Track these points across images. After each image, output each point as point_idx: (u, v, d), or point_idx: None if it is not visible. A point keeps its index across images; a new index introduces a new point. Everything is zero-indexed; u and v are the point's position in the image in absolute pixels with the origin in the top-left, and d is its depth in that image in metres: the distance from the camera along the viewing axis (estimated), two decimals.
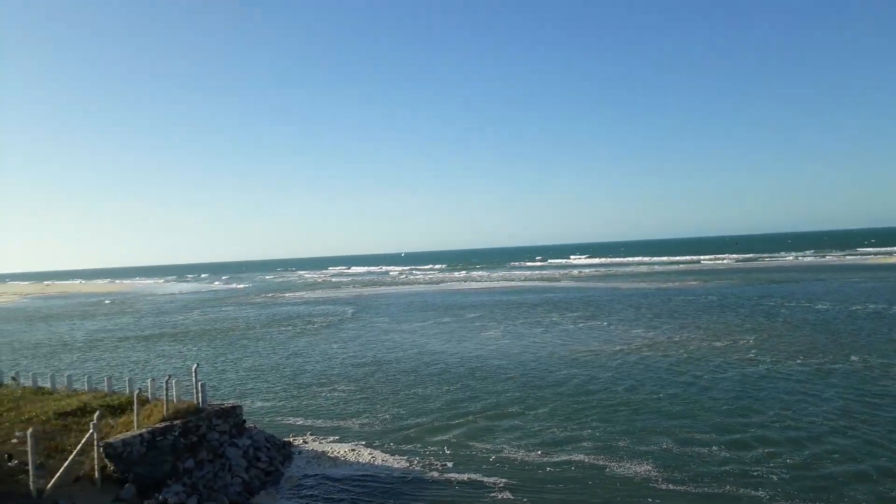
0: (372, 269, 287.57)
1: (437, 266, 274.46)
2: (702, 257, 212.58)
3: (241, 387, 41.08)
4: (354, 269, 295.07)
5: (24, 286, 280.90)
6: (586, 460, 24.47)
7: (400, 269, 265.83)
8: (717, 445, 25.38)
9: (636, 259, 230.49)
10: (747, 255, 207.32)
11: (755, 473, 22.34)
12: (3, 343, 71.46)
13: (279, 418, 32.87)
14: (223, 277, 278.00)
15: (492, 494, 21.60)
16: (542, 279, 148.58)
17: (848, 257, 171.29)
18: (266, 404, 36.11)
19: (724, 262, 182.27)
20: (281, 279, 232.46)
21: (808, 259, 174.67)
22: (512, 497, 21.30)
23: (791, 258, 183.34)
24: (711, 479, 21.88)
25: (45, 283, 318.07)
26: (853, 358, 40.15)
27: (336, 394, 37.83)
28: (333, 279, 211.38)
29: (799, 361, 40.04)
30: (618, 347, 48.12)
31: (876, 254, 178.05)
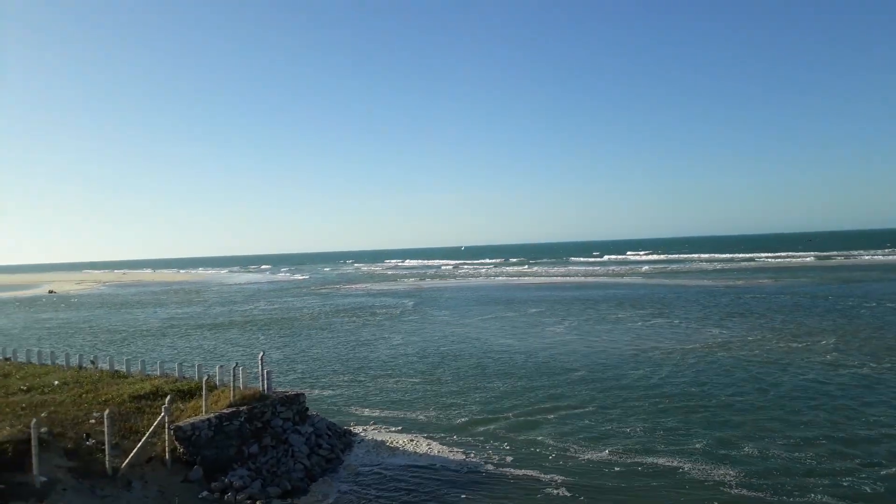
0: (426, 262, 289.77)
1: (493, 260, 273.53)
2: (770, 254, 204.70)
3: (306, 375, 41.99)
4: (409, 262, 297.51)
5: (100, 274, 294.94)
6: (654, 462, 23.79)
7: (454, 262, 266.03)
8: (799, 452, 24.13)
9: (700, 255, 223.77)
10: (822, 253, 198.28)
11: (845, 484, 21.11)
12: (83, 328, 75.29)
13: (342, 407, 33.41)
14: (284, 269, 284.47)
15: (547, 490, 21.38)
16: (602, 275, 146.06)
17: None
18: (329, 393, 36.77)
19: (797, 259, 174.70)
20: (339, 271, 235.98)
21: (889, 257, 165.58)
22: (568, 495, 20.99)
23: (868, 256, 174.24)
24: (793, 489, 20.84)
25: (120, 271, 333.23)
26: None
27: (398, 385, 38.19)
28: (390, 272, 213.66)
29: (887, 366, 37.79)
30: (690, 347, 46.72)
31: None
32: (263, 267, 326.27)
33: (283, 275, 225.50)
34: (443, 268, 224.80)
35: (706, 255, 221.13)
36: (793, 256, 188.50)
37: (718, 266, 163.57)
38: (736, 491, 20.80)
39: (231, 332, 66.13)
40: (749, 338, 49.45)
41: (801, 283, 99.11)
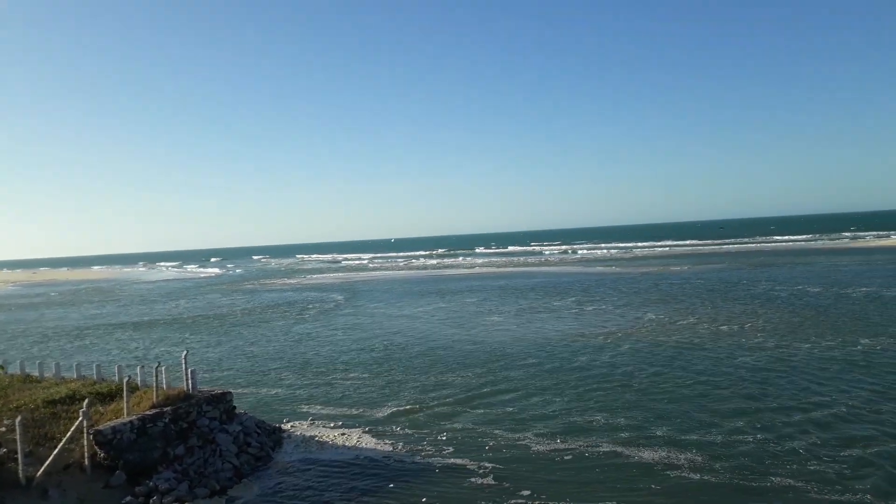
0: (323, 256, 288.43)
1: (410, 253, 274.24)
2: (683, 242, 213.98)
3: (241, 374, 41.08)
4: (322, 256, 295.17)
5: (13, 274, 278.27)
6: (585, 446, 24.23)
7: (369, 256, 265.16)
8: (739, 433, 24.71)
9: (612, 245, 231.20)
10: (732, 240, 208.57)
11: (776, 451, 22.32)
12: None
13: (276, 405, 32.88)
14: (193, 265, 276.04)
15: (472, 479, 21.66)
16: (520, 265, 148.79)
17: (831, 242, 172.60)
18: (265, 391, 36.08)
19: (710, 247, 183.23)
20: (254, 267, 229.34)
21: (796, 243, 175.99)
22: (493, 482, 21.34)
23: (775, 242, 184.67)
24: (738, 468, 21.35)
25: (34, 271, 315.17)
26: (863, 341, 39.95)
27: (335, 380, 37.81)
28: (308, 266, 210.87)
29: (808, 345, 39.64)
30: (620, 332, 47.84)
31: (854, 238, 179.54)
32: (163, 264, 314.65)
33: (194, 271, 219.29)
34: (343, 263, 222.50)
35: (620, 244, 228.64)
36: (705, 244, 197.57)
37: (634, 253, 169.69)
38: (669, 473, 21.25)
39: (153, 332, 63.89)
40: (675, 322, 51.26)
41: (715, 269, 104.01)
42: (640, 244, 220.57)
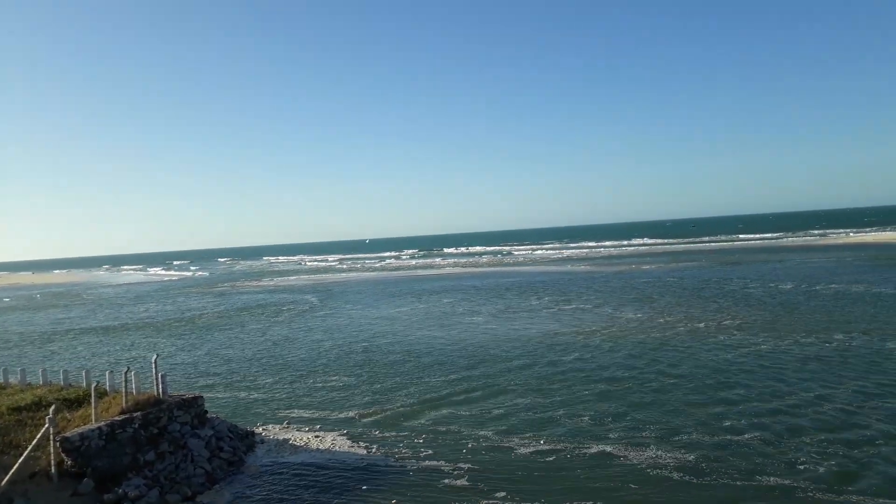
0: (292, 258, 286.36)
1: (366, 255, 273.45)
2: (655, 241, 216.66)
3: (209, 378, 40.56)
4: (284, 259, 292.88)
5: None
6: (569, 447, 24.18)
7: (338, 257, 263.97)
8: (727, 432, 24.68)
9: (583, 244, 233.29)
10: (704, 238, 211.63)
11: (765, 451, 22.39)
12: None
13: (248, 408, 32.60)
14: (158, 268, 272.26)
15: (446, 481, 21.64)
16: (492, 265, 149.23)
17: (800, 239, 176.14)
18: (236, 394, 35.72)
19: (682, 245, 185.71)
20: (220, 269, 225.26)
21: (765, 241, 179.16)
22: (468, 483, 21.32)
23: (745, 240, 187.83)
24: (727, 468, 21.27)
25: None
26: (837, 337, 40.68)
27: (309, 382, 37.54)
28: (279, 268, 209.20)
29: (785, 342, 40.00)
30: (605, 331, 47.83)
31: (823, 235, 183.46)
32: (126, 267, 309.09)
33: (160, 274, 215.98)
34: (337, 263, 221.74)
35: (591, 244, 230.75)
36: (677, 242, 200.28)
37: (601, 253, 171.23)
38: (655, 473, 21.14)
39: (122, 336, 62.79)
40: (652, 320, 51.55)
41: (686, 267, 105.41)
42: (609, 243, 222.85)
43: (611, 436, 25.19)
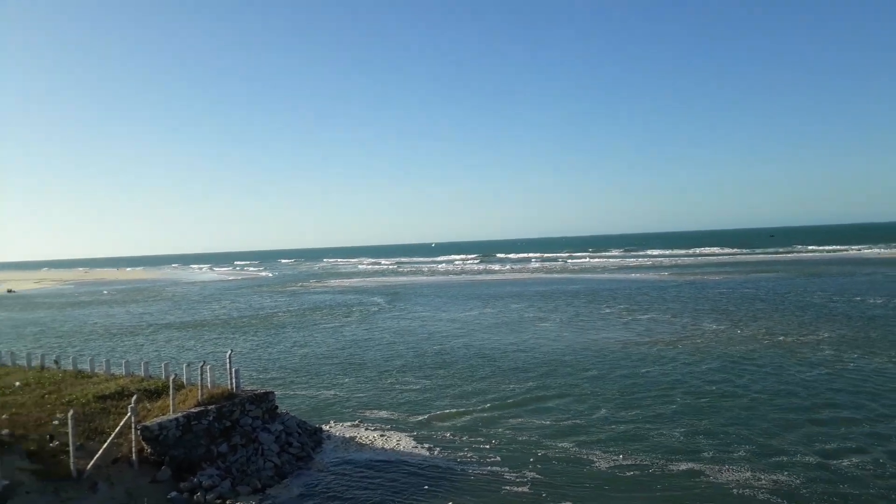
0: (351, 259, 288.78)
1: (455, 256, 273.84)
2: (729, 250, 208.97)
3: (282, 374, 41.59)
4: (340, 260, 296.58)
5: (62, 273, 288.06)
6: (645, 461, 23.15)
7: (409, 260, 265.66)
8: (830, 456, 23.09)
9: (656, 251, 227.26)
10: (782, 248, 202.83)
11: (875, 478, 20.80)
12: (44, 327, 73.50)
13: (318, 405, 33.16)
14: (243, 266, 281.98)
15: (508, 487, 21.40)
16: (557, 271, 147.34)
17: (889, 251, 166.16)
18: (306, 392, 36.38)
19: (758, 255, 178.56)
20: (298, 269, 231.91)
21: (849, 252, 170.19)
22: (530, 491, 21.01)
23: (826, 252, 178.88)
24: (833, 495, 19.90)
25: (83, 270, 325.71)
26: None
27: (380, 382, 37.85)
28: (351, 269, 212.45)
29: (882, 360, 37.71)
30: (683, 342, 46.09)
31: None
32: (203, 266, 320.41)
33: (244, 272, 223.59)
34: (395, 267, 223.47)
35: (666, 251, 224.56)
36: (753, 252, 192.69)
37: (677, 261, 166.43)
38: (747, 493, 20.03)
39: (199, 332, 65.22)
40: (731, 333, 49.36)
41: (763, 278, 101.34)
42: (677, 251, 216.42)
43: (699, 453, 23.86)
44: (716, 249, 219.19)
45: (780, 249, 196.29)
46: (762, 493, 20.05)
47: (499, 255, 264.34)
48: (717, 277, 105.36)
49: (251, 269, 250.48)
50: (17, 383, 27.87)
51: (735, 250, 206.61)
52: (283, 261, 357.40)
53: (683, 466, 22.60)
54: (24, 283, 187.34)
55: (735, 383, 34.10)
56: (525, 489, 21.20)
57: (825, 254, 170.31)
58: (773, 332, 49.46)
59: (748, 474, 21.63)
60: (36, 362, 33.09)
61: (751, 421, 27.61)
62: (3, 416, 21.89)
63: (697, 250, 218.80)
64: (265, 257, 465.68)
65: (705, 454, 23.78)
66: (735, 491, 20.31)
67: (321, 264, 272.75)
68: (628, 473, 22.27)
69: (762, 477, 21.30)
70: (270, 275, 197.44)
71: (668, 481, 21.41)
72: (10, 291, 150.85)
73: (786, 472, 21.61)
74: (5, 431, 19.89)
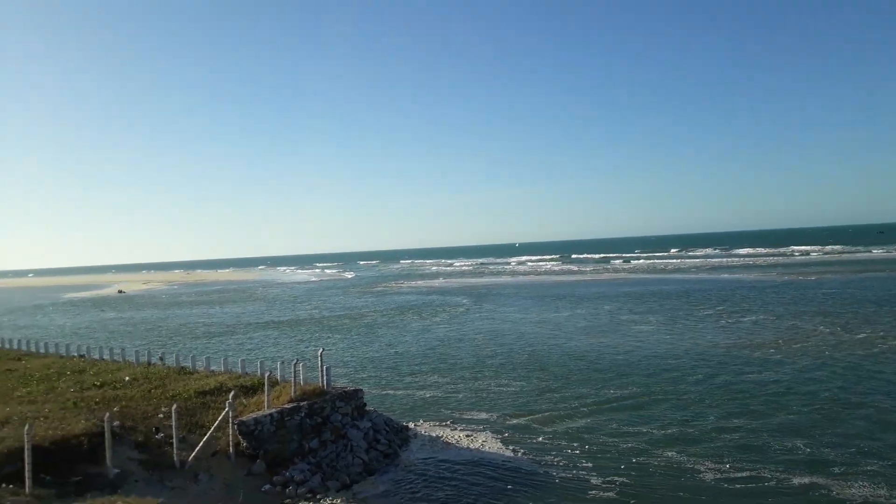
0: (427, 261, 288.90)
1: (532, 257, 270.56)
2: (833, 247, 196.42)
3: (368, 372, 42.42)
4: (420, 262, 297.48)
5: (165, 274, 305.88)
6: (750, 473, 21.83)
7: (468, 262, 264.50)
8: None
9: (750, 250, 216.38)
10: (894, 246, 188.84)
11: None
12: (151, 326, 78.28)
13: (406, 404, 33.52)
14: (330, 267, 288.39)
15: (593, 492, 20.91)
16: (645, 271, 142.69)
17: None
18: (396, 391, 36.79)
19: (863, 254, 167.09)
20: (381, 271, 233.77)
21: None
22: (616, 497, 20.43)
23: None
24: None
25: (183, 272, 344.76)
26: None
27: (469, 383, 37.80)
28: (432, 269, 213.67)
29: None
30: (793, 345, 43.95)
31: None
32: (288, 268, 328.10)
33: (326, 274, 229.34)
34: (490, 266, 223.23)
35: (760, 250, 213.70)
36: (858, 251, 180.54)
37: (770, 260, 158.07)
38: None
39: (293, 330, 67.51)
40: (846, 336, 46.10)
41: (872, 277, 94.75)
42: (770, 250, 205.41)
43: (821, 465, 22.15)
44: (815, 248, 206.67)
45: (892, 248, 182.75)
46: None
47: (576, 256, 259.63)
48: (817, 277, 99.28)
49: (331, 270, 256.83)
50: (127, 378, 29.71)
51: (839, 248, 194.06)
52: (362, 262, 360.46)
53: (801, 480, 21.05)
54: (133, 285, 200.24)
55: (853, 391, 31.72)
56: (612, 494, 20.66)
57: None
58: (888, 336, 45.84)
59: (882, 491, 19.77)
60: (143, 359, 35.19)
61: (877, 433, 25.32)
62: (115, 409, 23.36)
63: (792, 248, 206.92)
64: (344, 259, 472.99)
65: (828, 467, 22.04)
66: None
67: (398, 266, 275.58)
68: (736, 486, 20.89)
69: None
70: (351, 276, 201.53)
71: (782, 495, 19.95)
72: (120, 292, 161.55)
73: None
74: (116, 423, 21.22)
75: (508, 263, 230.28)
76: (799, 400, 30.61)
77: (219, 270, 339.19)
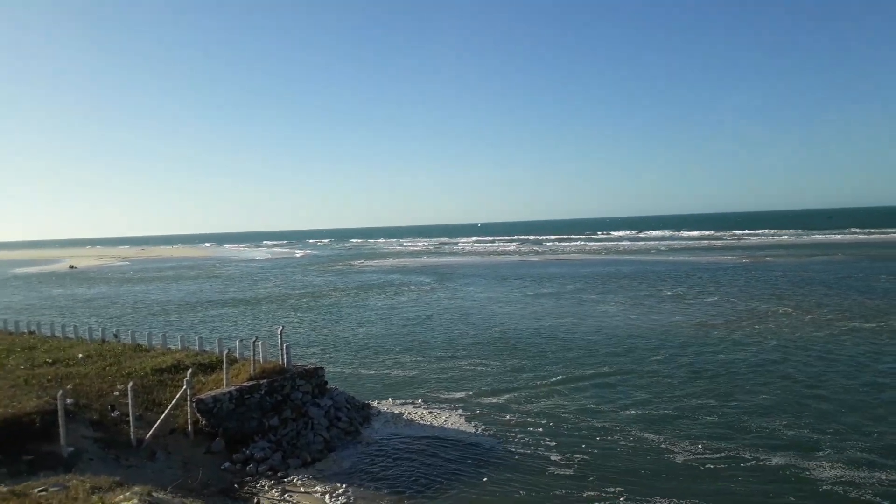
0: (377, 240, 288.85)
1: (445, 239, 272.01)
2: (781, 231, 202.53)
3: (326, 351, 42.31)
4: (372, 241, 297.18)
5: (119, 250, 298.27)
6: (732, 452, 21.97)
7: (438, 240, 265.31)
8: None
9: (693, 233, 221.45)
10: (839, 231, 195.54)
11: None
12: (104, 302, 76.40)
13: (362, 382, 33.53)
14: (285, 245, 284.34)
15: (552, 469, 21.23)
16: (602, 252, 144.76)
17: None
18: (352, 369, 36.77)
19: (815, 237, 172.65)
20: (338, 250, 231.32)
21: None
22: (574, 473, 20.79)
23: (889, 234, 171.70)
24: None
25: (141, 247, 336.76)
26: None
27: (431, 362, 37.69)
28: (389, 248, 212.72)
29: None
30: (758, 325, 44.72)
31: None
32: (238, 245, 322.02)
33: (277, 251, 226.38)
34: (428, 247, 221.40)
35: (710, 232, 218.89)
36: (809, 233, 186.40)
37: (721, 243, 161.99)
38: (840, 492, 18.70)
39: (253, 308, 66.72)
40: (807, 317, 47.22)
41: (823, 261, 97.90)
42: (722, 233, 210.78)
43: (790, 445, 22.28)
44: (766, 231, 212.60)
45: (838, 232, 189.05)
46: (867, 493, 18.58)
47: (535, 237, 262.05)
48: (771, 259, 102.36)
49: (281, 249, 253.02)
50: (80, 355, 29.02)
51: (790, 231, 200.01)
52: (311, 241, 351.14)
53: (773, 460, 21.19)
54: (85, 260, 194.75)
55: (813, 370, 32.35)
56: (570, 471, 20.99)
57: (889, 236, 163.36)
58: (840, 316, 47.18)
59: (863, 472, 19.91)
60: (97, 335, 34.38)
61: (844, 412, 25.81)
62: (68, 387, 22.81)
63: (745, 231, 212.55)
64: (292, 237, 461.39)
65: (800, 447, 22.25)
66: (839, 490, 18.91)
67: (349, 244, 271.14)
68: (700, 466, 21.02)
69: (871, 476, 19.66)
70: (304, 254, 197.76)
71: (752, 475, 20.15)
72: (71, 268, 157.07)
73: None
74: (70, 401, 20.72)
75: (462, 243, 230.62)
76: (764, 379, 31.18)
77: (172, 246, 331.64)
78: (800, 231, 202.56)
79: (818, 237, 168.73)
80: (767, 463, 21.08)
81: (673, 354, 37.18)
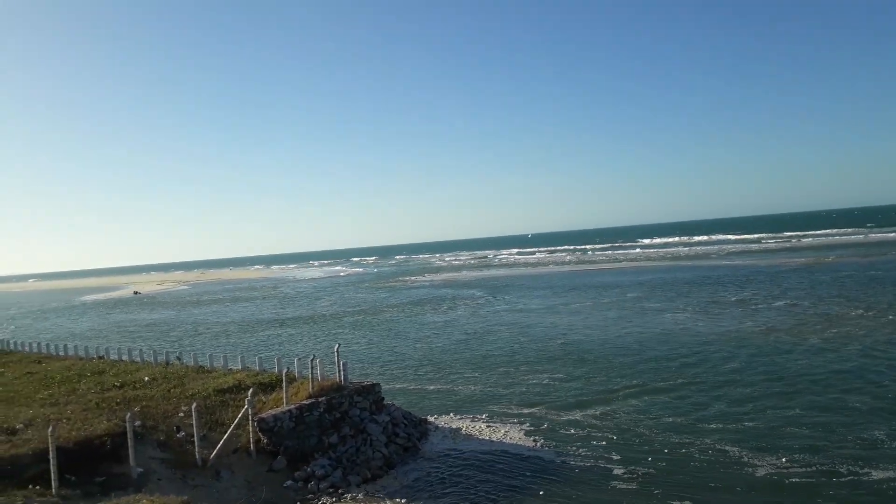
0: (423, 255, 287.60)
1: (490, 252, 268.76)
2: (843, 230, 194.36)
3: (385, 367, 42.43)
4: (422, 257, 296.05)
5: (180, 274, 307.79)
6: (797, 466, 20.83)
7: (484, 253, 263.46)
8: None
9: (752, 237, 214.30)
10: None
11: None
12: (168, 326, 78.85)
13: (426, 398, 33.38)
14: (340, 264, 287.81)
15: (615, 483, 20.74)
16: (656, 259, 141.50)
17: None
18: (408, 385, 36.74)
19: (877, 235, 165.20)
20: (390, 266, 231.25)
21: None
22: (638, 488, 20.17)
23: None
24: None
25: (200, 271, 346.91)
26: None
27: (493, 376, 37.31)
28: (439, 263, 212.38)
29: None
30: (838, 331, 42.28)
31: None
32: (287, 266, 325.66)
33: (331, 270, 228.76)
34: (494, 257, 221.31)
35: (776, 235, 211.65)
36: (872, 231, 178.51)
37: (777, 245, 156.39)
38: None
39: (310, 327, 67.66)
40: (881, 320, 44.89)
41: (893, 259, 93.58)
42: (788, 234, 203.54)
43: (880, 460, 20.78)
44: (829, 231, 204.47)
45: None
46: None
47: (588, 246, 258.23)
48: (835, 260, 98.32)
49: (329, 267, 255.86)
50: (146, 378, 29.94)
51: (850, 230, 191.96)
52: (356, 259, 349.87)
53: (873, 474, 19.84)
54: (148, 285, 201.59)
55: None
56: (633, 485, 20.41)
57: None
58: None
59: None
60: (161, 359, 35.44)
61: None
62: (136, 409, 23.52)
63: (804, 232, 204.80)
64: (337, 256, 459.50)
65: (888, 462, 20.70)
66: None
67: (394, 261, 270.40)
68: (791, 480, 19.91)
69: None
70: (356, 272, 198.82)
71: (845, 491, 18.90)
72: (136, 293, 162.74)
73: None
74: (138, 423, 21.36)
75: (502, 255, 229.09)
76: (849, 385, 29.44)
77: (228, 269, 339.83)
78: (862, 229, 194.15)
79: (882, 235, 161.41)
80: (866, 477, 19.73)
81: (747, 362, 35.74)
